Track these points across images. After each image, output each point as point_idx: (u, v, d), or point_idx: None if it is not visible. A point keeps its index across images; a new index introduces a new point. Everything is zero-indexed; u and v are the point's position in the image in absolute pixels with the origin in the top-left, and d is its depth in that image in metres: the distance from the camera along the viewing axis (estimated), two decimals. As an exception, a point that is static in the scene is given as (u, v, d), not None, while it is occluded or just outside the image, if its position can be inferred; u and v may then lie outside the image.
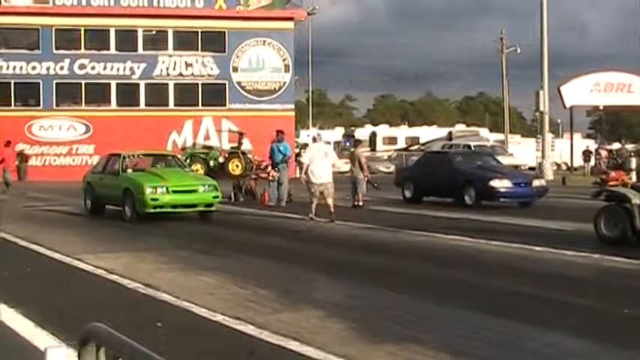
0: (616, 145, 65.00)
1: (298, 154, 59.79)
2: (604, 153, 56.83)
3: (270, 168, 28.63)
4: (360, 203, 26.81)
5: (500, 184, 26.15)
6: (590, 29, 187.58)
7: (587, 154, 54.59)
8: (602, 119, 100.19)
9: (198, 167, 26.44)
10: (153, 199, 21.17)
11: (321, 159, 22.47)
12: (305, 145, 69.01)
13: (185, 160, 32.68)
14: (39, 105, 53.83)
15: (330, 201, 22.23)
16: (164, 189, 21.37)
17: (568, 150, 53.33)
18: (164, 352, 2.63)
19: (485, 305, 10.45)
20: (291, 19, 58.11)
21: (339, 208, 23.51)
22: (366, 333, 8.76)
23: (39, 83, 53.77)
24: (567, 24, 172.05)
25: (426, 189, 28.67)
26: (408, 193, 29.25)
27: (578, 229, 18.62)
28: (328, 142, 79.91)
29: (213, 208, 22.24)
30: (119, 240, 18.18)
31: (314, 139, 27.30)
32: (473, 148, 43.43)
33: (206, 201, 22.03)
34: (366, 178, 27.42)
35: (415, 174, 29.70)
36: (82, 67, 54.33)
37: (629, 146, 51.29)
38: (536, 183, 27.81)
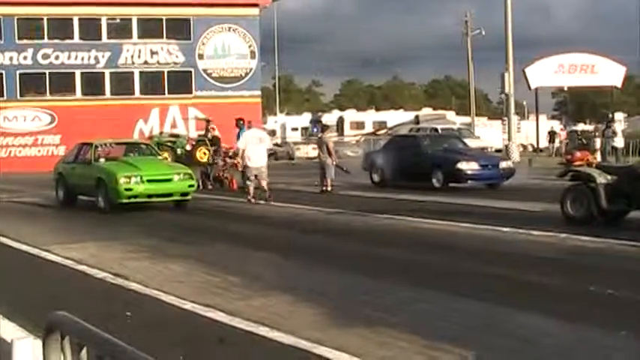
0: (581, 126, 65.47)
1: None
2: (563, 134, 57.25)
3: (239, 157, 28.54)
4: (329, 188, 26.82)
5: (468, 167, 26.29)
6: (555, 11, 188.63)
7: (552, 135, 54.94)
8: (566, 100, 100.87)
9: (166, 155, 26.29)
10: (127, 189, 20.90)
11: (256, 144, 24.00)
12: (272, 132, 69.37)
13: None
14: (3, 96, 53.27)
15: (264, 183, 23.65)
16: (138, 178, 21.09)
17: (534, 131, 53.58)
18: (133, 340, 2.61)
19: (455, 287, 10.50)
20: (256, 5, 58.08)
21: (308, 194, 23.55)
22: (337, 317, 8.77)
23: (2, 74, 53.26)
24: (532, 6, 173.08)
25: (394, 173, 28.55)
26: (376, 177, 29.34)
27: (544, 210, 18.73)
28: (296, 128, 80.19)
29: (188, 197, 22.03)
30: (88, 230, 18.07)
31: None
32: (440, 132, 43.57)
33: (181, 190, 21.83)
34: (334, 163, 27.51)
35: (383, 158, 29.62)
36: (46, 56, 53.94)
37: (592, 127, 51.67)
38: (503, 165, 27.97)
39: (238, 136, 28.34)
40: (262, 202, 23.02)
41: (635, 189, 15.98)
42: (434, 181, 26.65)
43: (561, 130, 58.37)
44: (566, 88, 50.19)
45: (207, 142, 31.17)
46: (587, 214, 16.52)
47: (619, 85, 48.17)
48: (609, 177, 16.65)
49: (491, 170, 27.04)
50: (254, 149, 23.83)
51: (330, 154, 27.30)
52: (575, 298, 9.81)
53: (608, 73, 46.83)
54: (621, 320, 8.55)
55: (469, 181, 26.77)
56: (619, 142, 38.06)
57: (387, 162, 28.83)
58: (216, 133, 31.98)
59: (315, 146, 34.07)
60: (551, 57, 46.33)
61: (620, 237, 14.40)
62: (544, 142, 54.57)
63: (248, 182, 23.68)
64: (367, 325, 8.30)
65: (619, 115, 43.61)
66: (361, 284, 10.99)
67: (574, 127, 59.28)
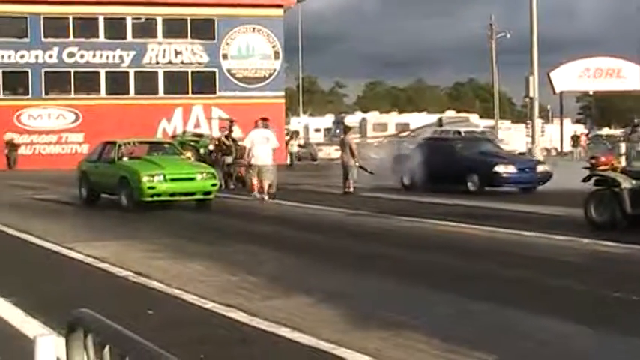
0: (605, 130, 65.08)
1: (288, 142, 59.98)
2: (584, 139, 56.93)
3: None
4: (351, 190, 26.80)
5: (505, 170, 25.98)
6: (581, 14, 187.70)
7: (575, 140, 54.69)
8: (591, 104, 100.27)
9: (189, 155, 26.35)
10: (150, 188, 20.93)
11: (262, 144, 24.69)
12: (295, 132, 69.34)
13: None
14: (28, 94, 53.68)
15: (266, 183, 24.30)
16: (161, 177, 21.14)
17: (558, 135, 53.44)
18: (154, 338, 2.63)
19: (474, 290, 10.48)
20: (280, 6, 58.08)
21: (330, 195, 23.53)
22: (358, 319, 8.77)
23: (28, 72, 53.56)
24: (558, 9, 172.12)
25: (426, 176, 27.81)
26: (406, 181, 28.72)
27: (568, 214, 18.64)
28: (318, 130, 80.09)
29: (211, 197, 22.01)
30: (110, 228, 18.13)
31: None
32: (463, 135, 43.42)
33: (204, 189, 21.83)
34: (357, 165, 27.51)
35: (414, 161, 28.90)
36: (71, 55, 54.16)
37: (618, 131, 51.38)
38: (540, 169, 27.70)
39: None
40: (266, 197, 23.77)
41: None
42: (469, 184, 26.27)
43: (582, 134, 58.05)
44: (591, 93, 49.90)
45: (231, 143, 31.10)
46: (611, 219, 16.44)
47: (645, 89, 47.90)
48: (634, 182, 16.57)
49: (528, 174, 26.78)
50: (260, 148, 24.52)
51: (353, 155, 27.29)
52: (598, 303, 9.77)
53: (635, 78, 46.57)
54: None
55: (506, 185, 26.50)
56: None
57: (419, 165, 28.17)
58: (239, 134, 31.98)
59: (338, 147, 34.04)
60: (577, 61, 46.22)
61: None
62: (568, 147, 54.33)
63: (252, 178, 24.71)
64: (386, 327, 8.30)
65: (645, 120, 43.19)
66: (380, 286, 11.00)
67: (598, 132, 58.95)
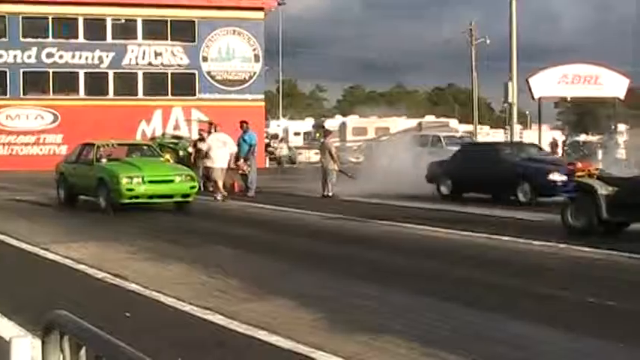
0: (583, 137, 65.38)
1: (268, 145, 59.99)
2: (560, 144, 57.16)
3: (241, 161, 28.51)
4: (330, 194, 26.81)
5: (560, 178, 22.29)
6: (562, 20, 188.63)
7: (553, 145, 54.89)
8: (570, 111, 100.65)
9: (168, 157, 26.28)
10: (129, 190, 20.94)
11: (220, 148, 26.14)
12: (275, 136, 69.32)
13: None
14: (6, 94, 53.25)
15: (220, 183, 25.77)
16: (140, 179, 21.14)
17: (536, 141, 53.54)
18: (132, 341, 2.62)
19: (454, 295, 10.51)
20: (261, 8, 58.05)
21: (308, 199, 23.55)
22: (337, 323, 8.77)
23: (6, 72, 53.21)
24: (538, 15, 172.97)
25: (467, 184, 25.92)
26: (445, 190, 26.54)
27: (546, 219, 18.73)
28: (298, 133, 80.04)
29: (190, 199, 22.08)
30: (88, 230, 18.06)
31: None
32: (442, 139, 43.53)
33: (183, 191, 21.85)
34: (338, 169, 27.49)
35: (453, 168, 26.57)
36: (50, 55, 53.85)
37: (595, 138, 51.66)
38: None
39: (242, 140, 28.41)
40: (219, 197, 25.11)
41: (636, 201, 15.99)
42: (520, 195, 23.83)
43: (558, 141, 58.20)
44: (569, 99, 50.01)
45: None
46: (588, 225, 16.54)
47: (622, 96, 48.17)
48: (610, 188, 16.68)
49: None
50: (218, 152, 25.94)
51: (332, 159, 27.28)
52: (573, 308, 9.82)
53: (612, 85, 46.78)
54: (620, 332, 8.56)
55: (561, 194, 23.19)
56: (621, 153, 38.04)
57: (459, 172, 26.02)
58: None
59: (317, 151, 34.09)
60: (556, 67, 46.23)
61: (620, 248, 14.39)
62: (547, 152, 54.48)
63: (215, 180, 25.60)
64: (365, 331, 8.30)
65: (622, 127, 43.48)
66: (359, 290, 10.99)
67: (576, 138, 59.18)
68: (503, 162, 25.13)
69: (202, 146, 27.70)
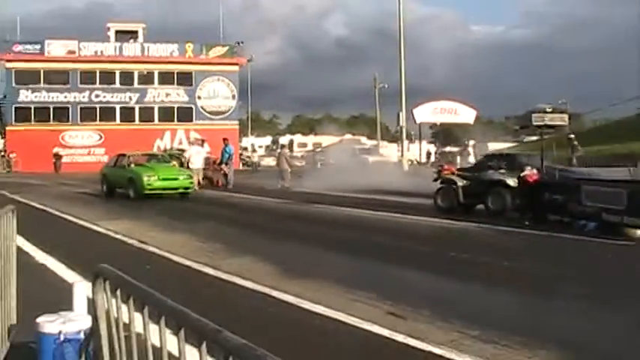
0: (448, 148, 66.08)
1: (241, 154, 59.66)
2: (433, 153, 57.96)
3: (223, 164, 28.74)
4: (287, 185, 27.04)
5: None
6: (433, 72, 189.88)
7: (428, 154, 55.75)
8: (439, 132, 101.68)
9: (174, 163, 26.07)
10: (148, 184, 20.99)
11: (196, 155, 27.32)
12: (246, 148, 68.83)
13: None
14: (68, 121, 54.09)
15: (200, 177, 26.37)
16: (156, 177, 21.20)
17: (417, 151, 54.11)
18: (150, 284, 2.64)
19: (367, 253, 10.60)
20: (236, 64, 58.19)
21: (271, 190, 23.53)
22: (286, 272, 8.79)
23: (69, 107, 53.98)
24: (418, 68, 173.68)
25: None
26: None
27: (424, 202, 18.95)
28: (261, 146, 78.99)
29: (189, 191, 22.07)
30: (122, 212, 17.83)
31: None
32: (357, 150, 43.71)
33: (184, 186, 21.82)
34: (289, 170, 28.00)
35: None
36: (97, 96, 54.67)
37: (455, 149, 52.16)
38: None
39: (224, 150, 28.48)
40: (197, 188, 24.24)
41: (480, 190, 16.28)
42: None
43: (429, 151, 58.98)
44: (439, 124, 50.57)
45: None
46: (451, 206, 16.80)
47: (472, 122, 48.89)
48: (465, 181, 16.94)
49: None
50: (195, 157, 26.98)
51: (288, 163, 28.12)
52: (441, 260, 9.95)
53: (465, 114, 47.48)
54: (473, 274, 8.72)
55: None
56: (472, 159, 38.61)
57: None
58: (208, 148, 31.74)
59: (274, 158, 34.18)
60: (430, 102, 46.70)
61: (472, 220, 14.65)
62: (424, 159, 55.02)
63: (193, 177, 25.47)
64: (306, 278, 8.34)
65: (472, 142, 44.22)
66: (301, 250, 11.05)
67: (444, 149, 59.78)
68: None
69: (185, 154, 28.36)
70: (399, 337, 5.60)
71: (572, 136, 27.02)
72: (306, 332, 5.85)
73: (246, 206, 19.97)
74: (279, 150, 31.59)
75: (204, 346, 2.06)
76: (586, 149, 28.94)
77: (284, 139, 69.76)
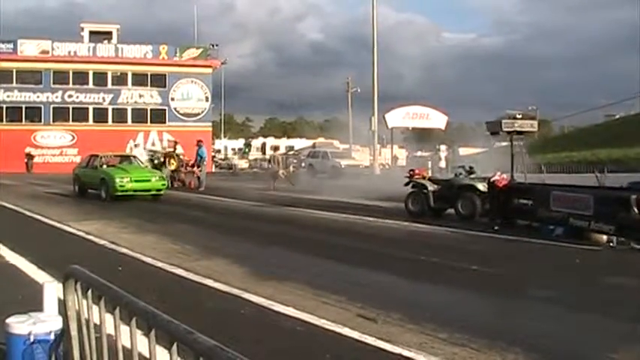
0: (419, 153, 66.41)
1: (214, 156, 59.48)
2: (404, 157, 58.43)
3: (195, 166, 28.66)
4: (272, 188, 27.18)
5: None
6: (407, 77, 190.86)
7: (395, 159, 56.10)
8: (410, 136, 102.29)
9: (147, 164, 25.86)
10: (120, 186, 20.85)
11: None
12: (218, 151, 68.49)
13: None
14: (41, 121, 53.78)
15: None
16: (128, 179, 21.04)
17: (390, 155, 54.34)
18: (122, 286, 2.63)
19: (333, 255, 10.62)
20: (210, 66, 58.06)
21: (243, 192, 23.36)
22: (257, 274, 8.78)
23: (41, 107, 53.63)
24: (391, 73, 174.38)
25: None
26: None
27: (395, 207, 19.02)
28: (234, 149, 78.56)
29: (161, 192, 21.91)
30: (94, 212, 17.65)
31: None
32: (329, 153, 43.74)
33: (156, 187, 21.66)
34: (282, 173, 28.62)
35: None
36: (70, 96, 54.48)
37: (427, 154, 52.52)
38: None
39: (197, 152, 28.34)
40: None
41: (451, 194, 16.41)
42: None
43: (396, 155, 59.36)
44: (410, 128, 50.89)
45: (174, 155, 30.65)
46: (422, 210, 16.89)
47: (443, 127, 49.26)
48: (436, 186, 17.06)
49: None
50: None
51: (279, 166, 28.13)
52: (411, 263, 10.00)
53: (437, 119, 47.87)
54: (443, 278, 8.78)
55: None
56: (443, 164, 38.92)
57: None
58: (181, 150, 31.59)
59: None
60: (402, 107, 47.00)
61: (442, 225, 14.75)
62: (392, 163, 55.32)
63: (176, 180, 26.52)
64: (277, 280, 8.34)
65: (443, 147, 44.51)
66: (269, 251, 11.02)
67: (415, 154, 60.12)
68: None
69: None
70: (369, 340, 5.62)
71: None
72: (277, 334, 5.84)
73: (215, 208, 19.87)
74: (272, 152, 31.75)
75: (174, 347, 2.06)
76: (555, 155, 29.32)
77: (256, 142, 69.66)
